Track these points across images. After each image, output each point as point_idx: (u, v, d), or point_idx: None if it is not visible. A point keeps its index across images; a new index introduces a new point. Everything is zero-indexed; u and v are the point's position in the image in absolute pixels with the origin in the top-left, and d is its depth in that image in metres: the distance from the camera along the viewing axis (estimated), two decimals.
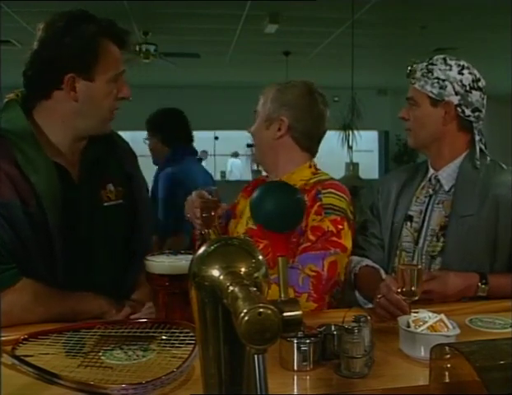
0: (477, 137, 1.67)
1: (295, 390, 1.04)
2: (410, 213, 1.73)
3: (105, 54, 1.41)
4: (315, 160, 1.82)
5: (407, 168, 1.94)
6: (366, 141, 10.22)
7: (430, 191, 1.71)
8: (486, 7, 5.31)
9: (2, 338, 1.14)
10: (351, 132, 8.11)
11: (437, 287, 1.45)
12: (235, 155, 12.90)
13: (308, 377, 1.07)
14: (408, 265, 1.32)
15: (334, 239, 1.59)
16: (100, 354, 1.12)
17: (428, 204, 1.70)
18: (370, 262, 1.73)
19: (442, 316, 1.19)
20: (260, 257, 0.72)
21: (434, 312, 1.21)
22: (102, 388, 0.95)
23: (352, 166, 8.28)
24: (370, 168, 11.42)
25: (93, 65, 1.39)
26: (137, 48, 6.72)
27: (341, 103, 7.55)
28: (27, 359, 1.06)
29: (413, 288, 1.29)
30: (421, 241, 1.67)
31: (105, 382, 0.98)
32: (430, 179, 1.72)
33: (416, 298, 1.30)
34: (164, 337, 1.17)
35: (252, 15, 5.72)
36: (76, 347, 1.15)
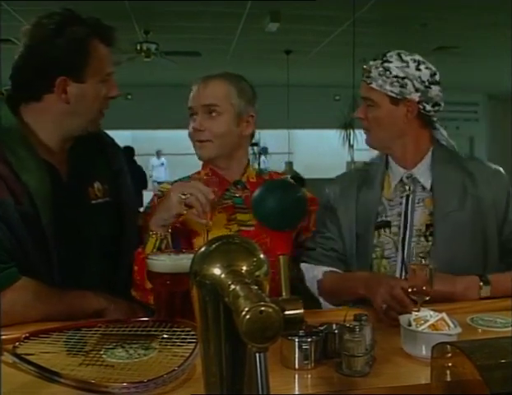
0: (442, 131, 1.66)
1: (297, 388, 1.04)
2: (387, 219, 1.65)
3: (96, 55, 1.40)
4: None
5: (351, 173, 1.90)
6: None
7: (407, 191, 1.65)
8: (486, 6, 5.31)
9: (4, 337, 1.14)
10: (352, 131, 8.14)
11: (441, 287, 1.40)
12: None
13: (309, 375, 1.07)
14: (419, 264, 1.31)
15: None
16: (102, 352, 1.12)
17: (407, 205, 1.64)
18: (332, 268, 1.67)
19: (443, 315, 1.18)
20: (261, 256, 0.72)
21: (435, 310, 1.21)
22: (103, 387, 0.95)
23: (353, 165, 8.29)
24: None
25: (84, 67, 1.38)
26: (138, 47, 6.72)
27: (342, 101, 7.55)
28: (28, 357, 1.06)
29: (424, 288, 1.28)
30: (406, 244, 1.61)
31: (107, 380, 0.98)
32: (401, 180, 1.66)
33: (427, 298, 1.28)
34: (165, 336, 1.17)
35: (253, 13, 5.72)
36: (78, 346, 1.14)
